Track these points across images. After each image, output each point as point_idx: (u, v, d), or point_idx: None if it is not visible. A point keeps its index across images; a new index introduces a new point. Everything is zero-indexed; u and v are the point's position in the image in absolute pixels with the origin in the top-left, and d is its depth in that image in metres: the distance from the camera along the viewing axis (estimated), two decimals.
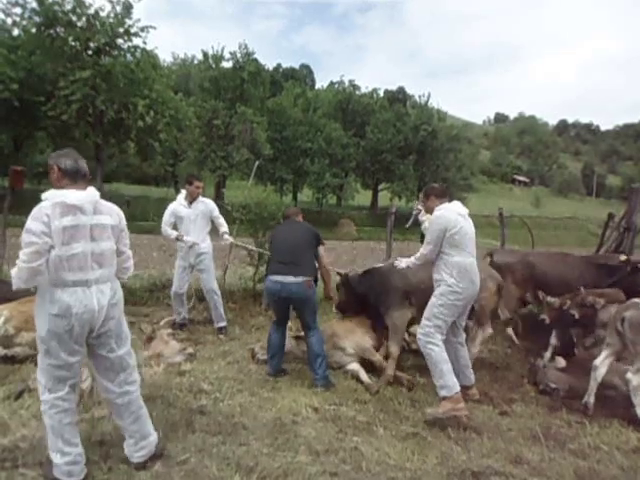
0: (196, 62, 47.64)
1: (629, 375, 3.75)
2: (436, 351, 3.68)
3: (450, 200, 3.99)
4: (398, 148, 38.71)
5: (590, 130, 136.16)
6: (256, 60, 35.15)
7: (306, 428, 3.27)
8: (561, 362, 4.30)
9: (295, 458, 2.86)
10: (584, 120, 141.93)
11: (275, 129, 35.90)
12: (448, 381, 3.62)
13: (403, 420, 3.57)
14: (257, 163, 8.73)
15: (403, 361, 4.96)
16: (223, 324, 5.66)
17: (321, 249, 4.47)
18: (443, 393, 3.61)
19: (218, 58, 34.76)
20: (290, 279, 4.11)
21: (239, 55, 34.35)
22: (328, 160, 36.61)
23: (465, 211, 3.95)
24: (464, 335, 4.08)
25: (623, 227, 6.62)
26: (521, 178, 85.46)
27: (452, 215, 3.83)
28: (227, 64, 34.73)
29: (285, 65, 71.75)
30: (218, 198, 31.18)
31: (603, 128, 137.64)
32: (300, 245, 4.32)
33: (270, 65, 51.12)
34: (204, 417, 3.33)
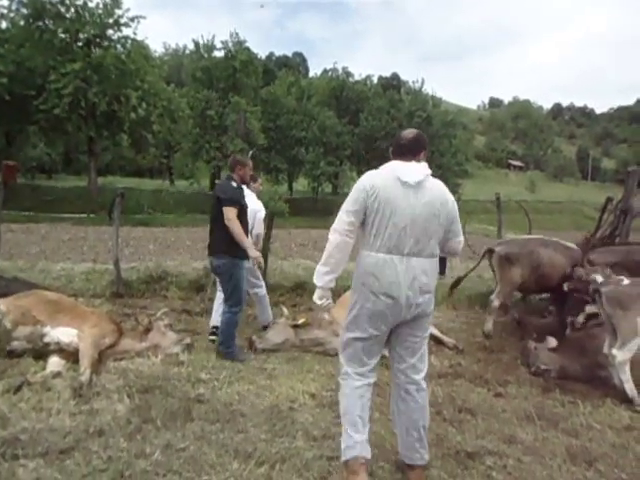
0: (188, 52, 47.24)
1: (614, 351, 3.80)
2: (342, 393, 2.66)
3: (408, 160, 2.62)
4: (392, 135, 38.51)
5: (585, 113, 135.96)
6: (248, 49, 34.95)
7: (303, 414, 3.31)
8: (552, 342, 4.35)
9: (292, 444, 2.90)
10: (579, 103, 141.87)
11: (269, 118, 35.77)
12: (346, 439, 2.55)
13: None
14: (251, 153, 8.73)
15: None
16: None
17: (224, 210, 4.18)
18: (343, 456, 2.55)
19: (209, 48, 34.55)
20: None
21: (230, 44, 34.13)
22: (323, 149, 36.58)
23: (416, 178, 2.52)
24: (421, 373, 2.67)
25: (620, 210, 6.62)
26: (516, 163, 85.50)
27: (385, 180, 2.54)
28: (219, 53, 34.51)
29: (278, 53, 71.27)
30: (213, 189, 31.10)
31: (598, 111, 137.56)
32: (213, 219, 4.37)
33: (262, 54, 50.79)
34: (202, 406, 3.36)
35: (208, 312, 5.88)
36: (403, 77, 50.29)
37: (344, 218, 2.56)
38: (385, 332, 2.61)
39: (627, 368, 3.79)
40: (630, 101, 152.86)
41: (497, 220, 7.96)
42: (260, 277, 5.38)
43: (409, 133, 2.76)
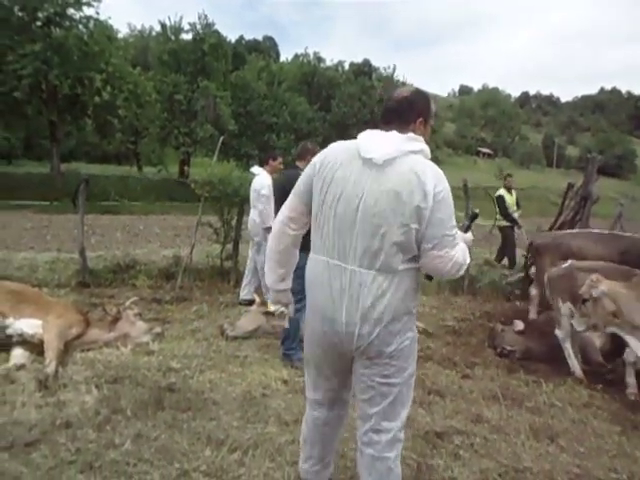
0: (154, 34, 45.80)
1: (556, 331, 4.16)
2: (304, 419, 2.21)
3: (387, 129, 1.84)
4: (364, 122, 38.58)
5: (551, 102, 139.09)
6: (217, 32, 34.11)
7: (275, 400, 3.33)
8: (519, 325, 4.50)
9: (265, 429, 2.92)
10: (545, 92, 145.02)
11: (239, 104, 35.15)
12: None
13: None
14: (222, 139, 8.58)
15: None
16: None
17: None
18: None
19: (177, 30, 33.58)
20: None
21: (199, 27, 33.23)
22: (294, 135, 36.22)
23: (384, 155, 1.73)
24: (382, 435, 1.88)
25: (580, 196, 6.84)
26: (485, 150, 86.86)
27: (343, 153, 1.86)
28: (187, 36, 33.59)
29: (248, 37, 69.66)
30: (182, 176, 30.54)
31: (563, 100, 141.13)
32: None
33: (232, 37, 49.63)
34: (173, 394, 3.33)
35: (178, 300, 5.84)
36: (375, 63, 50.15)
37: (287, 202, 2.00)
38: (328, 363, 1.96)
39: (567, 345, 4.09)
40: (593, 90, 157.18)
41: (465, 207, 8.04)
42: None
43: (402, 92, 1.95)
